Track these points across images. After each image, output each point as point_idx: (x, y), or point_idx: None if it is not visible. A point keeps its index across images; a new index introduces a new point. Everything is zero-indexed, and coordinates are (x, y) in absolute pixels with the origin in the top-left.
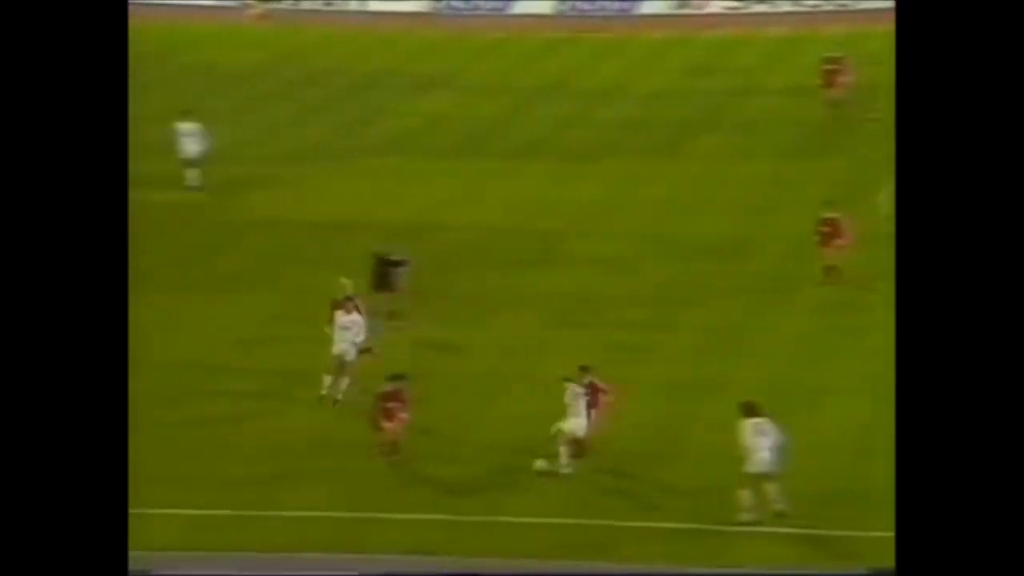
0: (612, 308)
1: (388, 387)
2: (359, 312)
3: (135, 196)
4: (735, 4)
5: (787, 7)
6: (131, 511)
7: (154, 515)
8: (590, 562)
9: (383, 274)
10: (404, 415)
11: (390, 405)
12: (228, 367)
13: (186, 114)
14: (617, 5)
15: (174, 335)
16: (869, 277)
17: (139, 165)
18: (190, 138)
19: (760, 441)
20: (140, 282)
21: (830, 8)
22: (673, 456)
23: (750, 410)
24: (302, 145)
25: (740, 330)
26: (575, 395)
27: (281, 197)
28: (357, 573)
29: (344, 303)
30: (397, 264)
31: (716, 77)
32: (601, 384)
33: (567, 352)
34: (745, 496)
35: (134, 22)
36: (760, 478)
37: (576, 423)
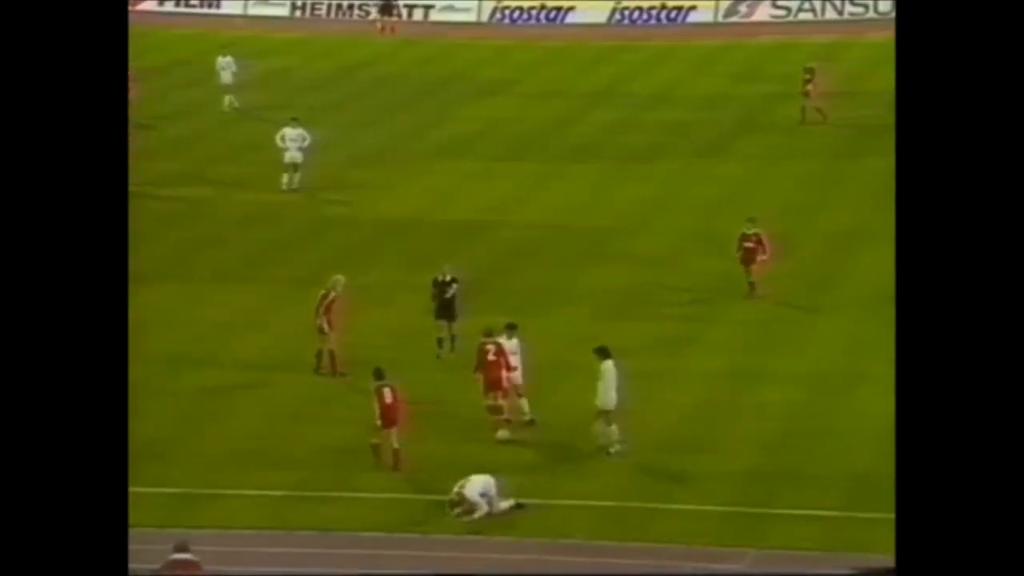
0: (660, 303)
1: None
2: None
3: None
4: (780, 13)
5: (831, 16)
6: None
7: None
8: (629, 543)
9: (442, 298)
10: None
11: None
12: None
13: (294, 120)
14: (667, 14)
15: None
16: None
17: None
18: (293, 143)
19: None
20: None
21: (872, 17)
22: (713, 442)
23: (604, 353)
24: (370, 149)
25: (781, 323)
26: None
27: (352, 198)
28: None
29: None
30: (452, 283)
31: (761, 82)
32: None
33: (616, 343)
34: (596, 427)
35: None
36: (606, 414)
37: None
